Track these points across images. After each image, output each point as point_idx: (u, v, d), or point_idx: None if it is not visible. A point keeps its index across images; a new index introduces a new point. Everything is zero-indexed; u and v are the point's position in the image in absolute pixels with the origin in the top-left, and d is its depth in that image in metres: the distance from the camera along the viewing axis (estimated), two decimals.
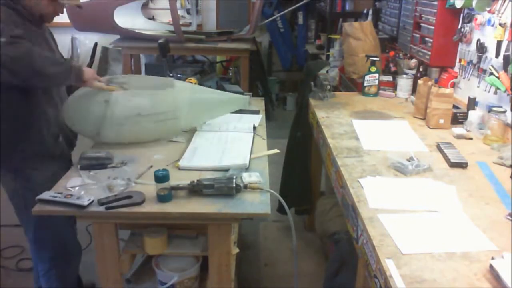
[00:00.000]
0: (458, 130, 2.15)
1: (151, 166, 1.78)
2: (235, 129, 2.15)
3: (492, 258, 1.19)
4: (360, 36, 3.04)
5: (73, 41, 5.83)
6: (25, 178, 1.88)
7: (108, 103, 1.87)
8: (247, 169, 1.77)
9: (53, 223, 1.96)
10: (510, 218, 1.43)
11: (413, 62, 2.85)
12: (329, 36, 4.55)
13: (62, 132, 2.00)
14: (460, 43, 2.50)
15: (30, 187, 1.84)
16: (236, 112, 2.41)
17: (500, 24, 2.07)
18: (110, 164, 1.79)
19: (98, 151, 1.85)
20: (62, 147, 2.00)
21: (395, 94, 2.79)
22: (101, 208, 1.50)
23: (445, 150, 1.90)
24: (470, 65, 2.39)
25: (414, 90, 2.66)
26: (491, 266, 1.17)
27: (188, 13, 5.29)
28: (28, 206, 1.63)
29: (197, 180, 1.58)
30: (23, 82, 1.70)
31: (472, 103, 2.26)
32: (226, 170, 1.73)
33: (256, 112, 2.42)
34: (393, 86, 2.83)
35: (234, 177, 1.60)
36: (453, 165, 1.80)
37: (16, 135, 1.84)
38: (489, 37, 2.19)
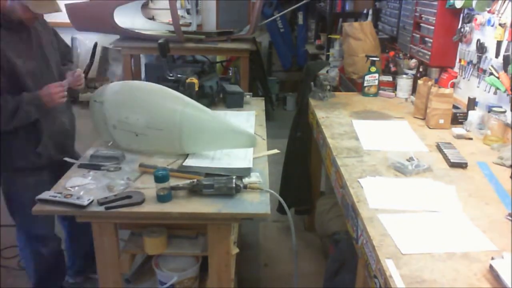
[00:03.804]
0: (458, 130, 2.15)
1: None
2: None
3: (492, 258, 1.19)
4: (360, 36, 3.04)
5: (73, 41, 5.82)
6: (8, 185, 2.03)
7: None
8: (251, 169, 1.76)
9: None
10: (510, 218, 1.43)
11: (413, 62, 2.84)
12: (329, 36, 4.54)
13: (55, 140, 2.02)
14: (460, 43, 2.50)
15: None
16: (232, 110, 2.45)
17: (500, 24, 2.07)
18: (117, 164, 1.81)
19: (109, 150, 1.89)
20: (46, 159, 2.02)
21: (395, 94, 2.79)
22: (101, 208, 1.50)
23: (445, 150, 1.90)
24: (470, 65, 2.38)
25: (414, 90, 2.66)
26: (491, 266, 1.17)
27: (188, 13, 5.29)
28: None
29: (197, 180, 1.58)
30: None
31: (472, 103, 2.26)
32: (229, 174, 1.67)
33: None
34: (393, 86, 2.83)
35: (234, 177, 1.60)
36: (453, 165, 1.80)
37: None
38: (489, 37, 2.19)
